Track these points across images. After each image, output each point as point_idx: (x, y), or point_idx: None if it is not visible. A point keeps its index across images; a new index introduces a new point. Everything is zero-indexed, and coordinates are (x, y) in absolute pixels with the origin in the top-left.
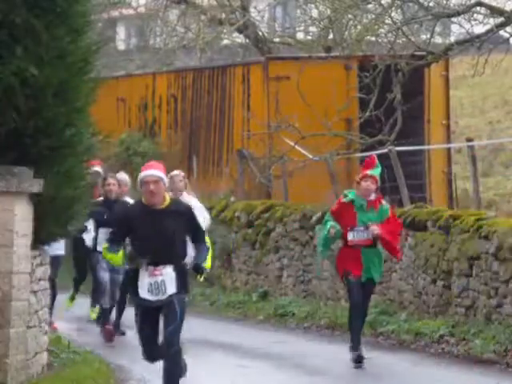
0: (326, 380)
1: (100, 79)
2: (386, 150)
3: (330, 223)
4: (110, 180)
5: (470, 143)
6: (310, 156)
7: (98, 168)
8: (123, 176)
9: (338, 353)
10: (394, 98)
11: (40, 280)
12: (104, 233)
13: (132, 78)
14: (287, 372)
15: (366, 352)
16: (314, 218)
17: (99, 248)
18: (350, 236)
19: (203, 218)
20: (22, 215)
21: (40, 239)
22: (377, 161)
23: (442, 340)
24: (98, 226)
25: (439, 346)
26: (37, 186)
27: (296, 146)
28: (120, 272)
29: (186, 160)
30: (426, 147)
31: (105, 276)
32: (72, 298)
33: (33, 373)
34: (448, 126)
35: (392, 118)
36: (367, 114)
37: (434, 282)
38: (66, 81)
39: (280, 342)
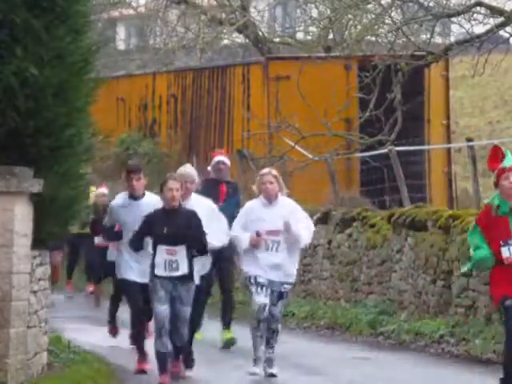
0: (326, 380)
1: (100, 79)
2: (385, 150)
3: (482, 254)
4: (171, 184)
5: (470, 143)
6: (310, 156)
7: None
8: (188, 170)
9: (338, 353)
10: (393, 98)
11: (40, 280)
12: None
13: (132, 78)
14: (287, 372)
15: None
16: (314, 218)
17: (158, 271)
18: (505, 252)
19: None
20: (22, 215)
21: (40, 239)
22: (502, 148)
23: (442, 340)
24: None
25: (439, 346)
26: (37, 186)
27: (296, 146)
28: (186, 302)
29: (185, 160)
30: (426, 147)
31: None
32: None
33: (33, 373)
34: (448, 126)
35: (392, 118)
36: (367, 114)
37: (434, 282)
38: (66, 81)
39: (280, 342)
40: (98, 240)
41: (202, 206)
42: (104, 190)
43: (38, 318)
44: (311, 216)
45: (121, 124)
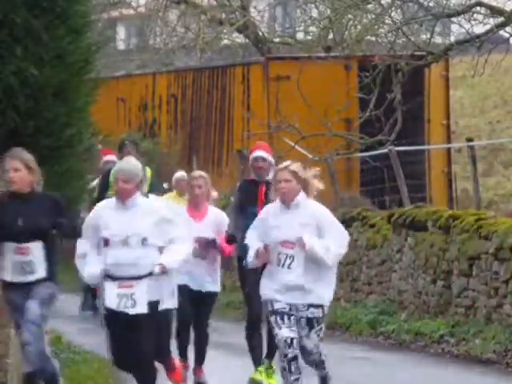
0: None
1: (100, 79)
2: (386, 150)
3: None
4: (8, 163)
5: (470, 143)
6: (310, 156)
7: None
8: (123, 165)
9: (338, 353)
10: (393, 98)
11: None
12: None
13: (132, 78)
14: None
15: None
16: None
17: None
18: None
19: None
20: None
21: None
22: None
23: (442, 340)
24: None
25: (439, 346)
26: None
27: (296, 146)
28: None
29: (185, 160)
30: (426, 147)
31: None
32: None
33: None
34: (448, 126)
35: (392, 118)
36: (367, 113)
37: (433, 282)
38: (66, 81)
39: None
40: None
41: (154, 209)
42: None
43: None
44: None
45: (121, 124)
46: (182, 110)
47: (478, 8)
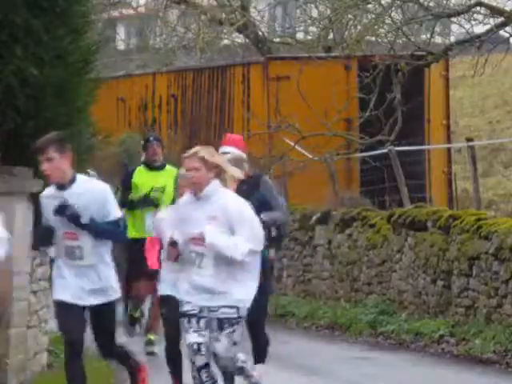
0: (326, 380)
1: (100, 79)
2: (386, 150)
3: None
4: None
5: (470, 143)
6: (310, 156)
7: None
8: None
9: (338, 353)
10: (393, 98)
11: (40, 280)
12: None
13: (132, 78)
14: (287, 372)
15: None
16: (314, 218)
17: None
18: None
19: None
20: (22, 215)
21: None
22: None
23: (442, 340)
24: None
25: (439, 346)
26: (37, 186)
27: (296, 146)
28: None
29: None
30: (426, 147)
31: None
32: None
33: (33, 373)
34: (448, 126)
35: (392, 118)
36: (367, 113)
37: (434, 282)
38: (66, 81)
39: (280, 342)
40: None
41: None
42: None
43: (38, 318)
44: (310, 216)
45: (121, 124)
46: (182, 110)
47: (478, 8)
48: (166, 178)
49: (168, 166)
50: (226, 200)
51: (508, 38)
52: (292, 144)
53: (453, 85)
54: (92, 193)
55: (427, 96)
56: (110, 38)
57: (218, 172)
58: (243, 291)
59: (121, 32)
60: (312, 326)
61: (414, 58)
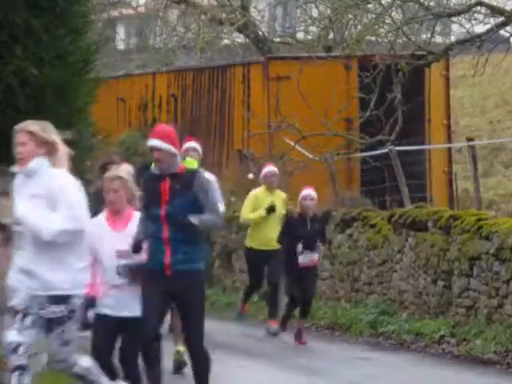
0: (326, 380)
1: (100, 79)
2: (386, 150)
3: None
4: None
5: (471, 143)
6: (310, 156)
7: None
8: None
9: (339, 353)
10: (394, 98)
11: None
12: None
13: (132, 78)
14: (287, 372)
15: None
16: None
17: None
18: None
19: None
20: None
21: None
22: None
23: (443, 340)
24: None
25: (440, 346)
26: None
27: (296, 146)
28: None
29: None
30: (426, 147)
31: None
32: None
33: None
34: (448, 126)
35: (392, 117)
36: (367, 113)
37: (434, 282)
38: (66, 81)
39: (280, 341)
40: None
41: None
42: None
43: None
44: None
45: (121, 124)
46: (181, 110)
47: (479, 7)
48: None
49: None
50: (51, 178)
51: (508, 38)
52: (292, 144)
53: (453, 84)
54: None
55: (428, 96)
56: (109, 37)
57: (50, 149)
58: (66, 277)
59: (121, 32)
60: (312, 327)
61: (415, 57)
